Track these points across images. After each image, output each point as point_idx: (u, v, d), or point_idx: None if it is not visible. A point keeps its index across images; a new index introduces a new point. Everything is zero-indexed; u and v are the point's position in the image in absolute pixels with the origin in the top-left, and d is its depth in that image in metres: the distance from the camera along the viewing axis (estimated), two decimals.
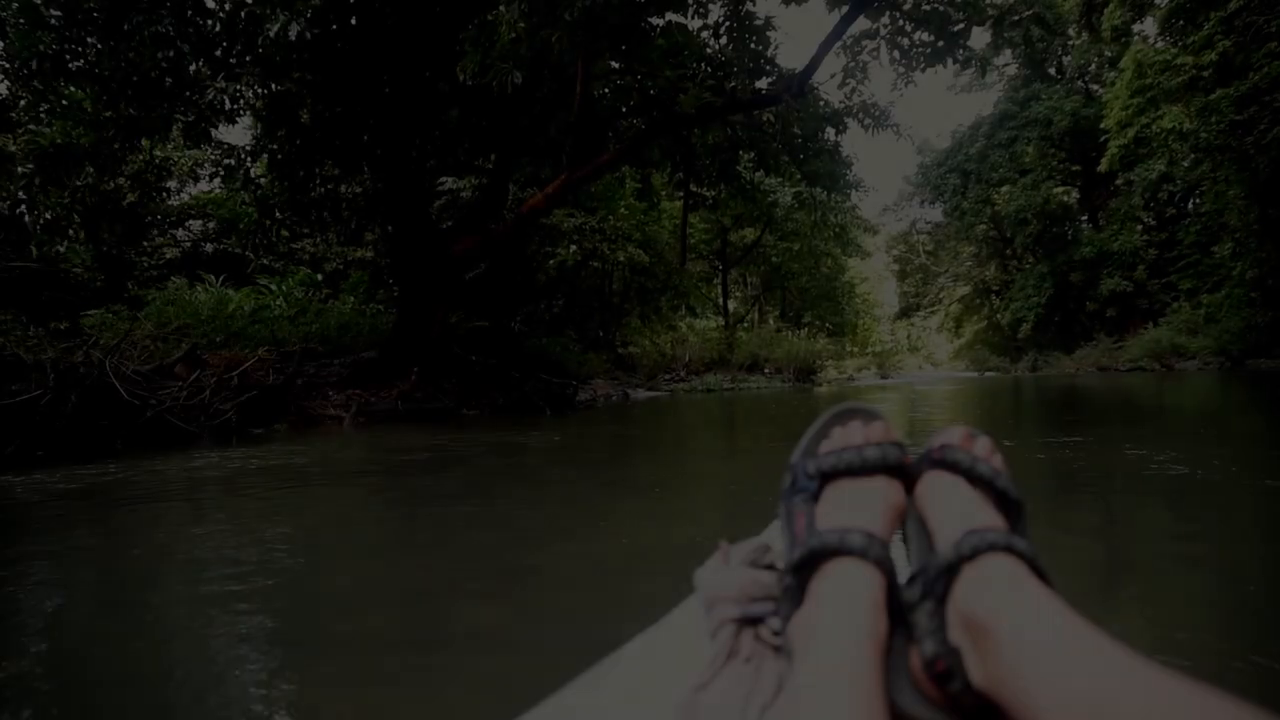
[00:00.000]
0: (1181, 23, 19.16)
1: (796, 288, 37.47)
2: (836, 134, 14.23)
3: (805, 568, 0.68)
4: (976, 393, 15.49)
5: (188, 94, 9.54)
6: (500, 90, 7.84)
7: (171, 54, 8.93)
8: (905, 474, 0.81)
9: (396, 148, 11.21)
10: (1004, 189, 38.23)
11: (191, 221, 19.33)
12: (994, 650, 0.53)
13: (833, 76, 12.73)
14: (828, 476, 0.82)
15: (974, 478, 0.76)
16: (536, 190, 15.45)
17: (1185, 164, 21.31)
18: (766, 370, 24.34)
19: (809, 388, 20.93)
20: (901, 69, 11.91)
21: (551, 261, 23.04)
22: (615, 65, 11.83)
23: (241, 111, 10.43)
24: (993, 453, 0.80)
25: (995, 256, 44.66)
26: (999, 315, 43.14)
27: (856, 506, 0.76)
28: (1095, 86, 37.28)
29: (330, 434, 8.09)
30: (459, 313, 18.52)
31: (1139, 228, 33.46)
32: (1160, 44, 21.63)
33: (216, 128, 10.36)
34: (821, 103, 13.61)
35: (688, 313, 31.61)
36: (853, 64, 13.01)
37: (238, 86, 9.33)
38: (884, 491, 0.79)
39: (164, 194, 14.42)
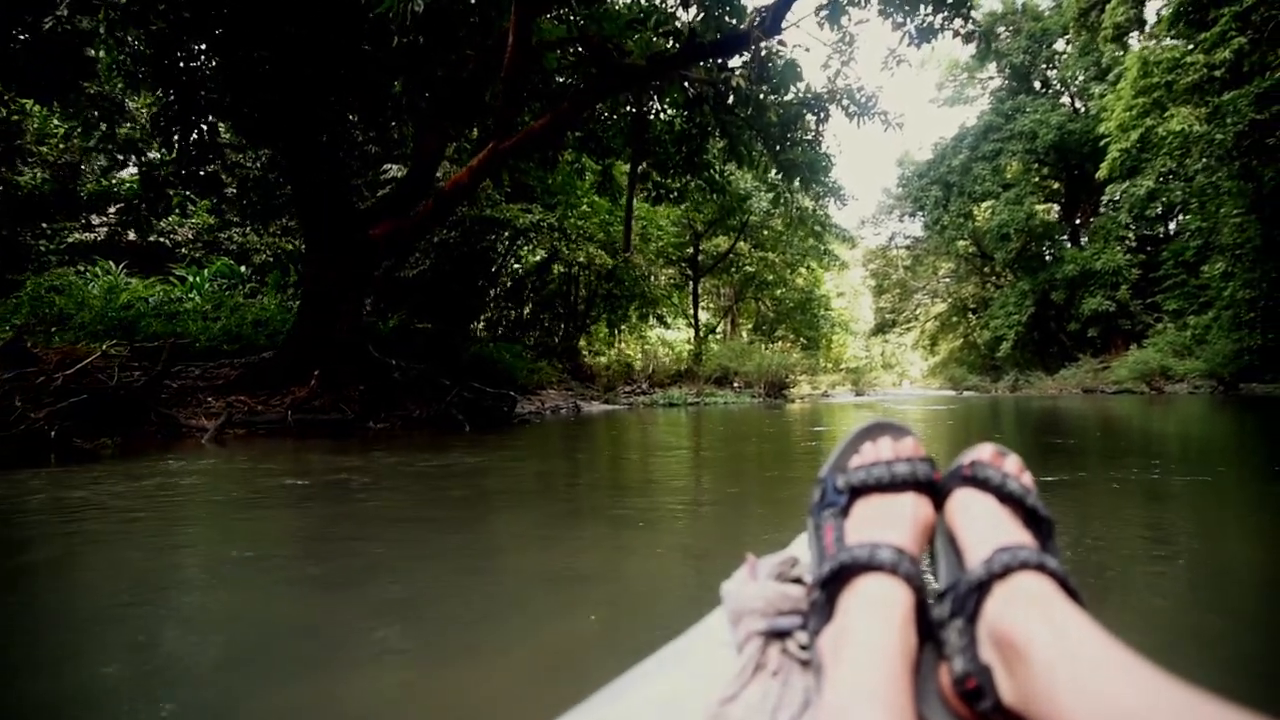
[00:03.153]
0: (1192, 15, 17.77)
1: (770, 299, 36.08)
2: (818, 122, 12.75)
3: (834, 582, 0.68)
4: (963, 414, 13.94)
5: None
6: (400, 24, 6.17)
7: None
8: (935, 490, 0.81)
9: (302, 113, 9.49)
10: (986, 204, 37.19)
11: (114, 207, 17.44)
12: (1025, 669, 0.52)
13: (807, 18, 11.11)
14: (857, 491, 0.82)
15: (1004, 495, 0.76)
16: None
17: (1197, 167, 19.76)
18: (736, 384, 22.75)
19: (780, 404, 19.31)
20: (898, 33, 10.41)
21: (516, 264, 21.47)
22: (566, 31, 10.24)
23: (101, 58, 8.65)
24: (1022, 470, 0.80)
25: (974, 273, 43.61)
26: (974, 334, 42.14)
27: (886, 522, 0.76)
28: (1079, 105, 36.45)
29: (176, 451, 6.38)
30: (400, 313, 16.85)
31: (1119, 247, 32.40)
32: (1167, 41, 20.19)
33: (80, 82, 8.60)
34: (803, 84, 12.12)
35: (657, 322, 30.14)
36: (840, 39, 11.54)
37: (93, 21, 7.58)
38: (913, 507, 0.78)
39: (20, 162, 12.39)
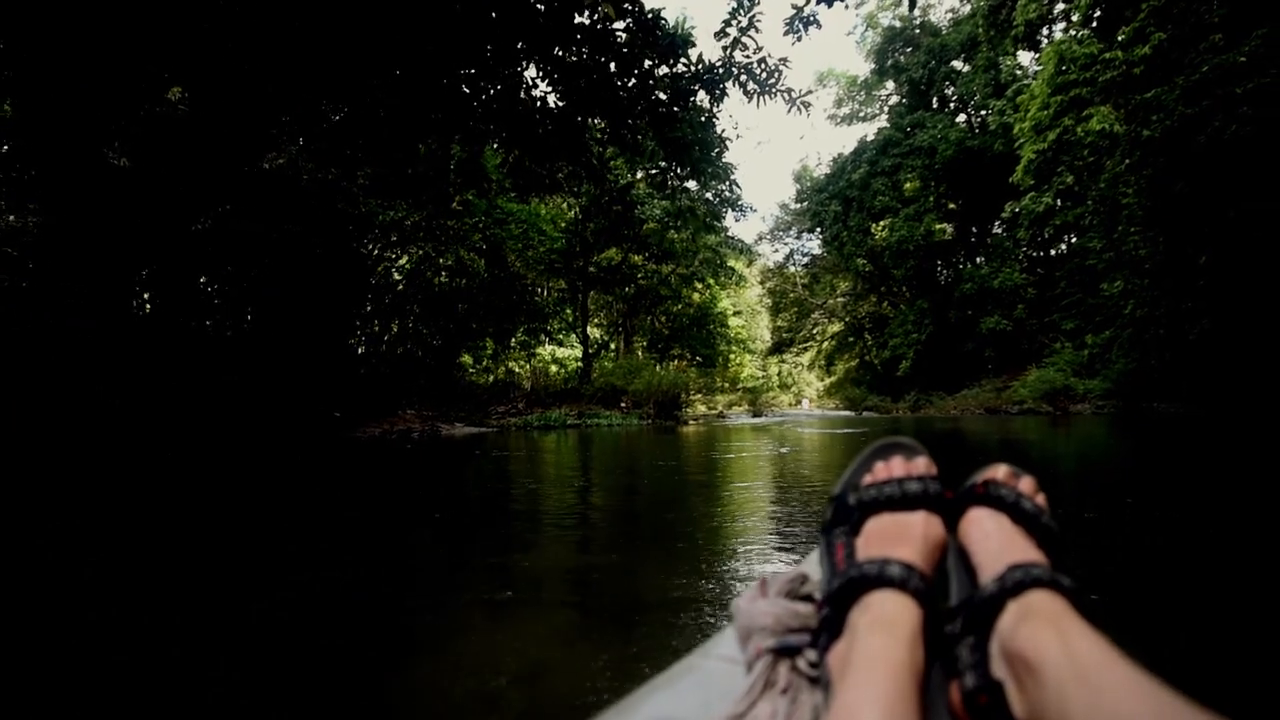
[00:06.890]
0: (1101, 12, 16.87)
1: (664, 314, 34.36)
2: (712, 101, 10.99)
3: (844, 598, 0.67)
4: (873, 436, 12.24)
5: None
6: None
7: None
8: (947, 509, 0.80)
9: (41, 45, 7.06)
10: (884, 221, 36.61)
11: None
12: (1038, 685, 0.52)
13: None
14: (869, 509, 0.81)
15: (1017, 514, 0.75)
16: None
17: (1119, 169, 18.74)
18: (624, 404, 20.73)
19: (672, 426, 17.38)
20: None
21: (394, 271, 19.04)
22: None
23: None
24: (1036, 490, 0.79)
25: (873, 292, 43.10)
26: (870, 355, 41.59)
27: (897, 539, 0.75)
28: (977, 122, 36.34)
29: None
30: (227, 319, 14.23)
31: (1016, 265, 32.13)
32: (1082, 37, 19.27)
33: None
34: (695, 51, 10.34)
35: (546, 338, 27.97)
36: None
37: None
38: (925, 525, 0.77)
39: None
